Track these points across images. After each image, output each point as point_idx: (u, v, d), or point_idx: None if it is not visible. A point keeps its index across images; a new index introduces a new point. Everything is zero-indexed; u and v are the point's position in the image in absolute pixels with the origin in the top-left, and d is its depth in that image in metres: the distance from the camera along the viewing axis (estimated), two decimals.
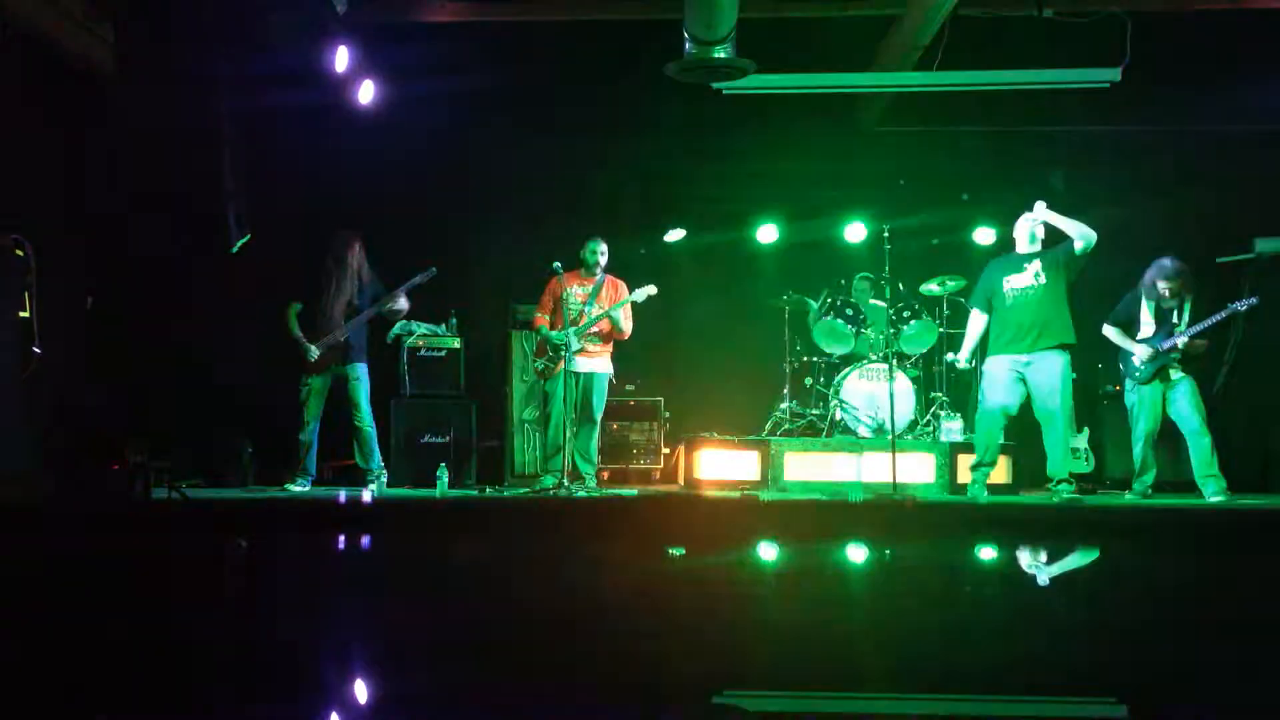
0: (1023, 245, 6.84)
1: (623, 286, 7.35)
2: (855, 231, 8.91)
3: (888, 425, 7.27)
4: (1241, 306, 6.88)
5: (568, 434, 7.09)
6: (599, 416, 7.31)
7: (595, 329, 7.19)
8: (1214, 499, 6.76)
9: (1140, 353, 7.05)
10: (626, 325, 7.22)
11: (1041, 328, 6.63)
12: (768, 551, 5.27)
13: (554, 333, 7.17)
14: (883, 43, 7.58)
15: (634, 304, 7.23)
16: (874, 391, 7.91)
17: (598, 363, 7.27)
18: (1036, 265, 6.71)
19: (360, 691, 2.69)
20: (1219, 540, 5.75)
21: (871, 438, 7.75)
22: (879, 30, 7.50)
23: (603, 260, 7.31)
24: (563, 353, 7.08)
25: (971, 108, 8.03)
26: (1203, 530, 5.94)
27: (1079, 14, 6.89)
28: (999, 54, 7.15)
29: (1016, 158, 8.83)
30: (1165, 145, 8.46)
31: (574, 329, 7.10)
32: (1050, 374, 6.60)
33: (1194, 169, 8.38)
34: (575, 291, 7.26)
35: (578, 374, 7.17)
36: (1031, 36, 6.98)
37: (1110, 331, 7.21)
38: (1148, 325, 7.09)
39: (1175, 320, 7.03)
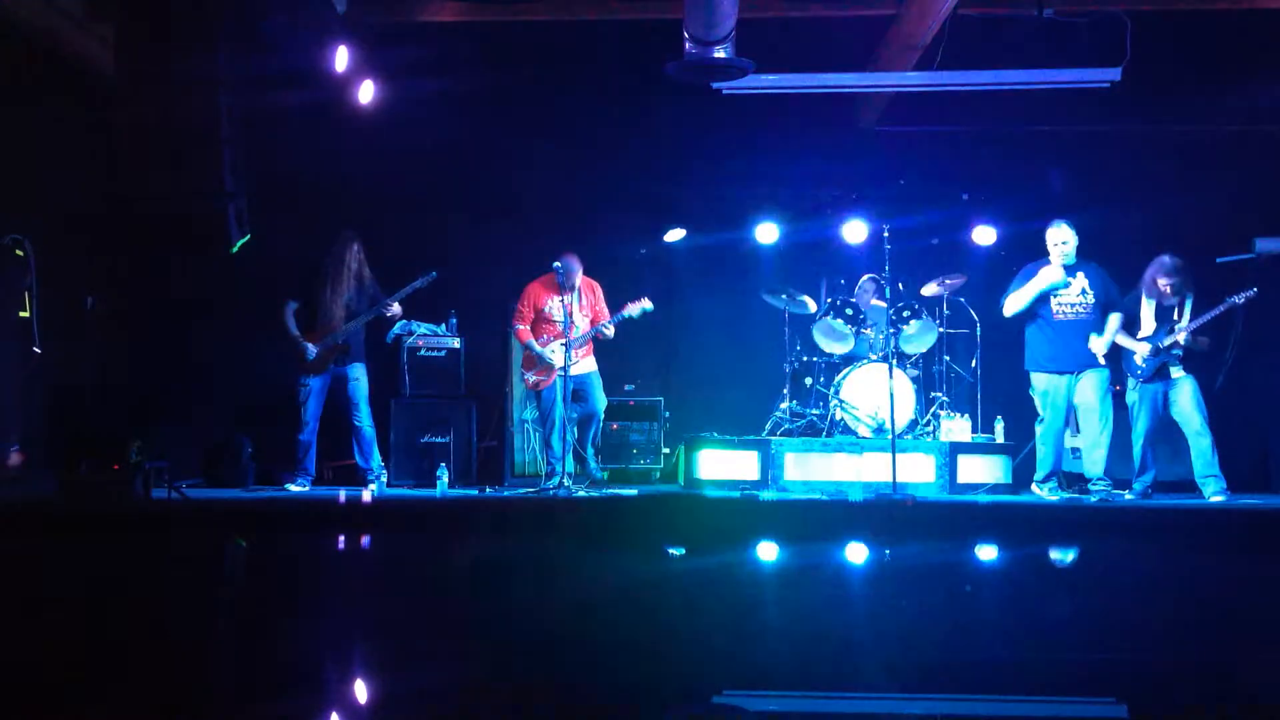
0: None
1: (598, 288, 7.46)
2: (855, 231, 8.91)
3: (888, 425, 7.27)
4: (1240, 299, 6.87)
5: (569, 436, 7.21)
6: (602, 410, 7.45)
7: (583, 342, 7.32)
8: (1214, 499, 6.76)
9: (1142, 351, 7.03)
10: (611, 332, 7.34)
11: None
12: (768, 551, 5.27)
13: (544, 350, 7.24)
14: (883, 43, 7.58)
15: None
16: (874, 391, 7.90)
17: (586, 363, 7.40)
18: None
19: (360, 691, 2.69)
20: (1219, 540, 5.75)
21: (871, 438, 7.75)
22: (879, 30, 7.50)
23: (578, 277, 7.30)
24: (552, 365, 7.20)
25: (971, 108, 8.02)
26: (1203, 530, 5.94)
27: (1079, 14, 6.88)
28: (999, 54, 7.15)
29: (1016, 158, 8.83)
30: (1165, 145, 8.45)
31: (562, 343, 7.16)
32: None
33: (1194, 169, 8.38)
34: (555, 303, 7.30)
35: (569, 378, 7.24)
36: (1031, 36, 6.98)
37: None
38: (1149, 324, 7.08)
39: (1176, 318, 7.02)
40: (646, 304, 7.25)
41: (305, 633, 3.36)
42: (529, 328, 7.34)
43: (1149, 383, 7.06)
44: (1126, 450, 7.31)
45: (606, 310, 7.35)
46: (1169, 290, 6.96)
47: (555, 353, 7.21)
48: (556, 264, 7.18)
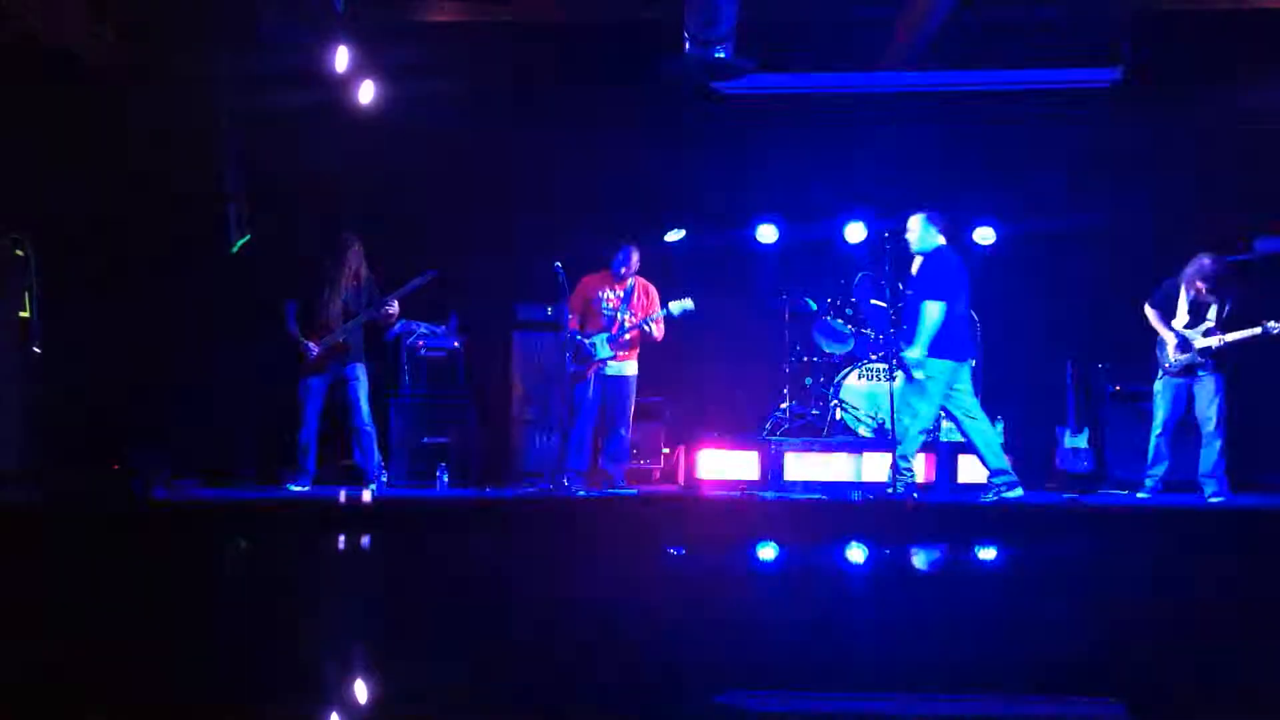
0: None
1: (654, 291, 7.51)
2: (855, 231, 8.91)
3: (888, 425, 7.26)
4: (1275, 330, 6.88)
5: (595, 435, 7.30)
6: (629, 418, 7.47)
7: (628, 336, 7.34)
8: (1213, 499, 6.77)
9: (1170, 341, 7.08)
10: (659, 332, 7.39)
11: None
12: (768, 551, 5.27)
13: (588, 341, 7.30)
14: (883, 42, 7.57)
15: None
16: (874, 391, 7.90)
17: (626, 365, 7.43)
18: None
19: (360, 690, 2.69)
20: (1219, 540, 5.75)
21: (871, 438, 7.74)
22: (879, 30, 7.50)
23: (634, 266, 7.42)
24: (595, 357, 7.26)
25: (972, 108, 8.02)
26: (1203, 530, 5.94)
27: (1079, 14, 6.88)
28: (999, 54, 7.15)
29: (1015, 158, 8.82)
30: (1165, 145, 8.45)
31: (607, 336, 7.26)
32: None
33: (1194, 169, 8.38)
34: (607, 295, 7.36)
35: (606, 377, 7.32)
36: (1031, 36, 6.98)
37: (1150, 313, 7.24)
38: (1183, 315, 7.13)
39: (1208, 317, 7.04)
40: (688, 303, 7.32)
41: (305, 633, 3.36)
42: (579, 317, 7.36)
43: (1177, 377, 7.10)
44: (1127, 451, 7.31)
45: (659, 313, 7.39)
46: (1204, 291, 7.00)
47: (597, 347, 7.29)
48: (558, 264, 7.18)
